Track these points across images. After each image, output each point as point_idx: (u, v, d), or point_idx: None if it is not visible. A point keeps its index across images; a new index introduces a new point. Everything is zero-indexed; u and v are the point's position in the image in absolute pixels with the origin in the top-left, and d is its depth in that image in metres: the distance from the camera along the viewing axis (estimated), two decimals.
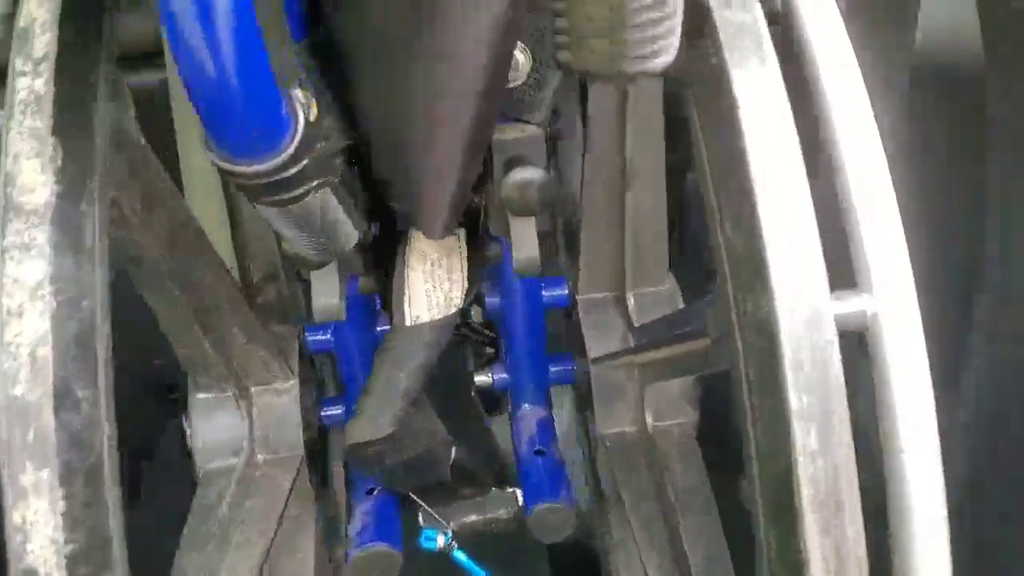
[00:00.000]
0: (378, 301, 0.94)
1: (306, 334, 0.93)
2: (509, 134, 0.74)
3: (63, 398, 0.44)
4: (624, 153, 0.85)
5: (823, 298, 0.46)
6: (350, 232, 0.65)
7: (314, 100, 0.68)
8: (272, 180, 0.49)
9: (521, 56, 0.72)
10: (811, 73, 0.55)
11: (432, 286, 0.86)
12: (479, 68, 0.65)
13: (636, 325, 0.91)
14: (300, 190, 0.52)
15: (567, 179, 0.94)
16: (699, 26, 0.49)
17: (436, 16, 0.55)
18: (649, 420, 0.91)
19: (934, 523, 0.52)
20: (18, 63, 0.49)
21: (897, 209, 0.53)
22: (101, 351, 0.47)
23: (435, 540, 0.93)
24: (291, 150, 0.48)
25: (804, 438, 0.45)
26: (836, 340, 0.47)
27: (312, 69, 0.68)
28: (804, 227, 0.46)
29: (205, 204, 0.85)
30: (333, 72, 0.68)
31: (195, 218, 0.69)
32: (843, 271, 0.53)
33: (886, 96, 0.87)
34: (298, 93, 0.49)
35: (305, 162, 0.50)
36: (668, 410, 0.91)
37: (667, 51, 0.40)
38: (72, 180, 0.47)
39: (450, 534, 0.94)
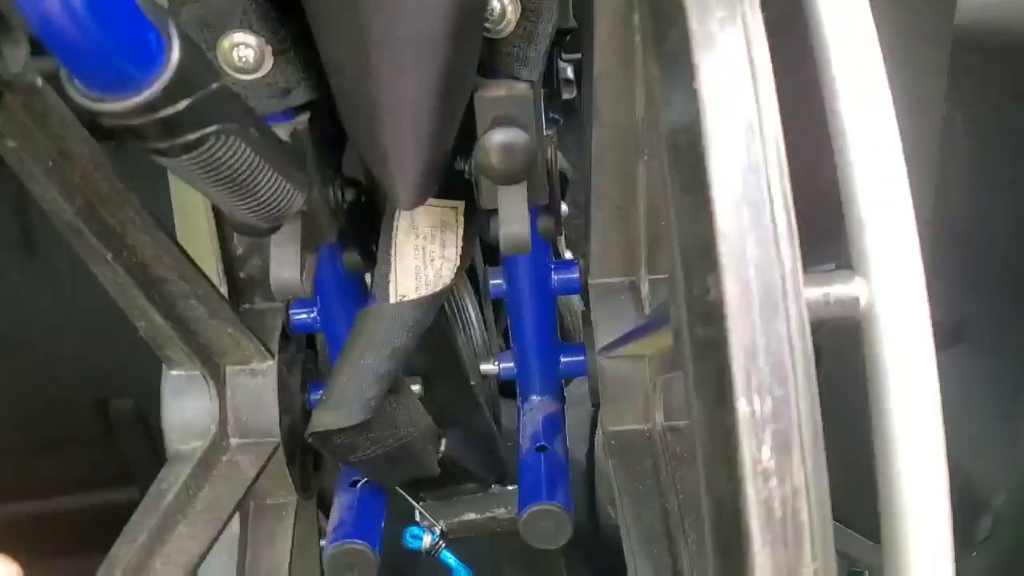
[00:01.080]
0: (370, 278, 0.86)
1: (290, 312, 0.86)
2: (493, 91, 0.66)
3: None
4: (634, 119, 0.75)
5: (788, 278, 0.36)
6: (288, 192, 0.58)
7: (268, 47, 0.61)
8: (145, 121, 0.41)
9: (508, 4, 0.64)
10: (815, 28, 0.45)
11: (422, 263, 0.78)
12: (440, 8, 0.57)
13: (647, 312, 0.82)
14: (191, 136, 0.45)
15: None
16: None
17: None
18: (659, 418, 0.82)
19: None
20: None
21: (907, 182, 0.43)
22: None
23: (421, 539, 0.86)
24: (158, 86, 0.40)
25: (754, 452, 0.36)
26: (807, 330, 0.37)
27: (270, 14, 0.61)
28: (765, 191, 0.36)
29: None
30: (295, 19, 0.61)
31: (119, 181, 0.62)
32: None
33: (925, 72, 0.76)
34: (172, 24, 0.41)
35: (187, 102, 0.42)
36: (682, 407, 0.81)
37: None
38: None
39: (437, 533, 0.86)
